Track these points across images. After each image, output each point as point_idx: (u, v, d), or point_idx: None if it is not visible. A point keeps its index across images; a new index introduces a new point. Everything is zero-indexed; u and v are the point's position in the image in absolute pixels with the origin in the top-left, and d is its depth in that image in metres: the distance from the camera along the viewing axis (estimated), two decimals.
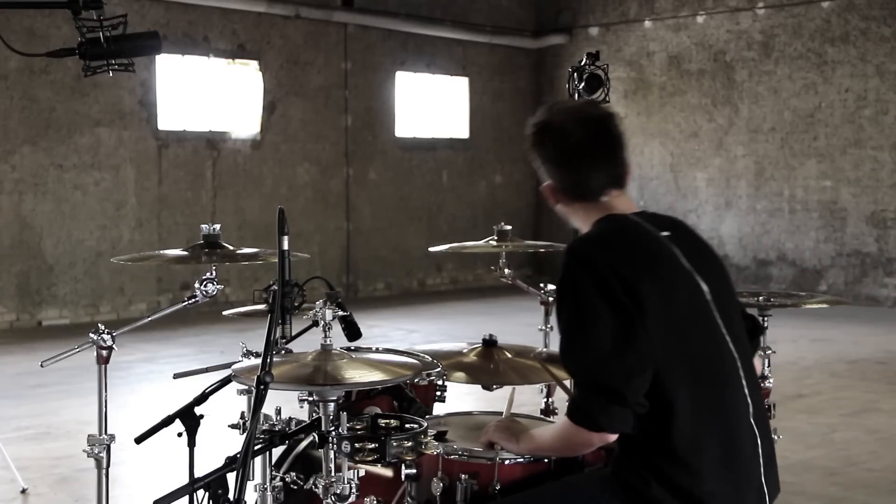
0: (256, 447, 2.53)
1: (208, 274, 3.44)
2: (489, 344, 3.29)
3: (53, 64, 10.50)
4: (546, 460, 2.73)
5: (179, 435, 3.05)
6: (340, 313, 2.79)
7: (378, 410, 2.92)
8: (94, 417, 3.41)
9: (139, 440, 3.05)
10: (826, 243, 13.04)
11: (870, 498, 5.21)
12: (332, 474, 2.54)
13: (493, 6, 15.07)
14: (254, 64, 12.51)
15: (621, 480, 2.43)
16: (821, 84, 12.98)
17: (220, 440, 3.38)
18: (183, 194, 11.93)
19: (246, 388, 3.16)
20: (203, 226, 3.67)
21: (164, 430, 3.00)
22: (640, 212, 2.56)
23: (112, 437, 3.39)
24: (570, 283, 2.41)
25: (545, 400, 4.12)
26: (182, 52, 11.84)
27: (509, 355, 3.25)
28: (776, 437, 2.82)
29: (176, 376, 3.42)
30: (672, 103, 14.27)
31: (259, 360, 2.43)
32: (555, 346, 2.63)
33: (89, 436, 3.38)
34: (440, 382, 3.20)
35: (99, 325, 3.40)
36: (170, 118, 11.86)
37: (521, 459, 2.73)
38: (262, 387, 2.32)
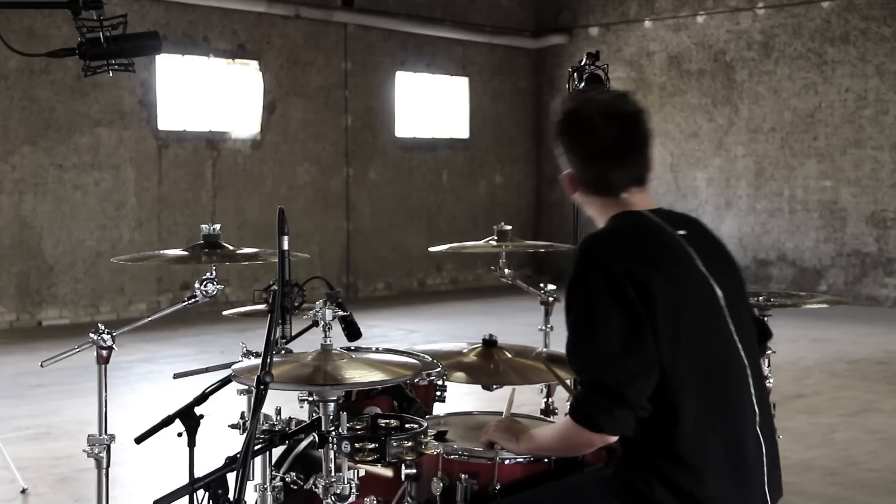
0: (256, 447, 2.53)
1: (208, 274, 3.44)
2: (489, 344, 3.29)
3: (53, 64, 10.50)
4: (546, 460, 2.73)
5: (179, 435, 3.05)
6: (340, 313, 2.79)
7: (378, 410, 2.91)
8: (94, 417, 3.41)
9: (139, 440, 3.05)
10: (826, 243, 13.03)
11: (870, 498, 5.20)
12: (332, 474, 2.54)
13: (493, 6, 15.06)
14: (254, 64, 12.51)
15: (623, 481, 2.41)
16: (821, 84, 12.98)
17: (220, 440, 3.38)
18: (183, 194, 11.93)
19: (246, 388, 3.16)
20: (203, 226, 3.67)
21: (164, 430, 3.00)
22: (657, 209, 2.54)
23: (112, 437, 3.39)
24: (582, 282, 2.38)
25: (545, 400, 4.11)
26: (182, 52, 11.83)
27: (509, 355, 3.26)
28: (777, 438, 2.81)
29: (176, 376, 3.42)
30: (672, 103, 14.27)
31: (259, 360, 2.43)
32: (555, 346, 2.63)
33: (89, 436, 3.37)
34: (440, 382, 3.20)
35: (99, 325, 3.40)
36: (170, 118, 11.85)
37: (521, 459, 2.73)
38: (262, 387, 2.32)
